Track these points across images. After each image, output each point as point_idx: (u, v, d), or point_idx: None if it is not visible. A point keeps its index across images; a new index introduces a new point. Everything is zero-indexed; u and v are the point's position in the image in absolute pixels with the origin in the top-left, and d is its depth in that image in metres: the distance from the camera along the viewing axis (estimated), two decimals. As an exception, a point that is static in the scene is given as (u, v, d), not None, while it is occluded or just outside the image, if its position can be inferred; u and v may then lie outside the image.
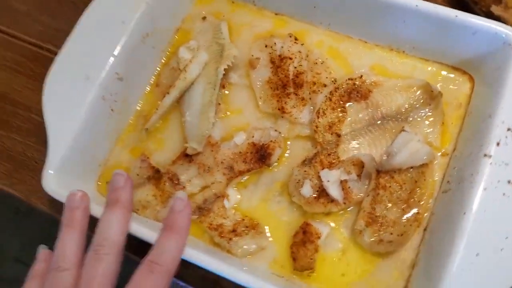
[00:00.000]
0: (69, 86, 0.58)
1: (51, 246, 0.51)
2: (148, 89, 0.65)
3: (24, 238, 1.63)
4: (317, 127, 0.58)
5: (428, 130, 0.58)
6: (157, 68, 0.65)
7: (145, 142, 0.62)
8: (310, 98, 0.60)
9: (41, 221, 1.61)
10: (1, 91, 0.70)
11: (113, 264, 0.47)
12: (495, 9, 0.58)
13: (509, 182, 0.49)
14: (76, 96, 0.57)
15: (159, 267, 0.47)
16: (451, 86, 0.59)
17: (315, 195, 0.56)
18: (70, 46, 0.60)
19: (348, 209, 0.57)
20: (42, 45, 0.72)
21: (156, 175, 0.60)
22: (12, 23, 0.74)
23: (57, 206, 0.63)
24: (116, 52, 0.58)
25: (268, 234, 0.57)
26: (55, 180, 0.55)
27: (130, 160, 0.62)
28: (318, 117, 0.59)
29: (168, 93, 0.61)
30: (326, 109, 0.59)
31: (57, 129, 0.56)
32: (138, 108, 0.64)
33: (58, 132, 0.56)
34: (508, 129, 0.50)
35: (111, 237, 0.48)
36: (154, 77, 0.65)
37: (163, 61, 0.66)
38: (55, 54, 0.70)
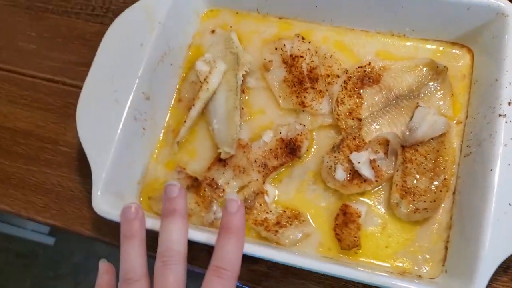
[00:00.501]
0: (101, 112, 0.60)
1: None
2: (172, 104, 0.68)
3: (30, 281, 1.64)
4: (338, 115, 0.63)
5: (440, 103, 0.63)
6: (177, 84, 0.69)
7: (178, 155, 0.65)
8: (326, 90, 0.64)
9: (45, 264, 1.62)
10: (26, 129, 0.72)
11: (182, 273, 0.50)
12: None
13: (525, 136, 0.54)
14: (109, 120, 0.60)
15: (226, 271, 0.49)
16: (452, 60, 0.64)
17: (349, 178, 0.60)
18: (94, 74, 0.63)
19: (380, 187, 0.61)
20: (56, 79, 0.75)
21: (195, 183, 0.63)
22: (23, 62, 0.77)
23: (100, 229, 0.66)
24: (140, 73, 0.62)
25: (311, 221, 0.61)
26: (103, 201, 0.58)
27: (166, 174, 0.65)
28: (338, 106, 0.63)
29: (193, 105, 0.64)
30: (344, 97, 0.63)
31: (96, 154, 0.59)
32: (165, 124, 0.67)
33: (97, 157, 0.59)
34: (516, 89, 0.55)
35: (175, 247, 0.51)
36: (175, 93, 0.68)
37: (182, 76, 0.69)
38: (70, 85, 0.74)
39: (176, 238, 0.51)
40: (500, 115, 0.55)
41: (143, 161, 0.64)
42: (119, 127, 0.60)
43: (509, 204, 0.52)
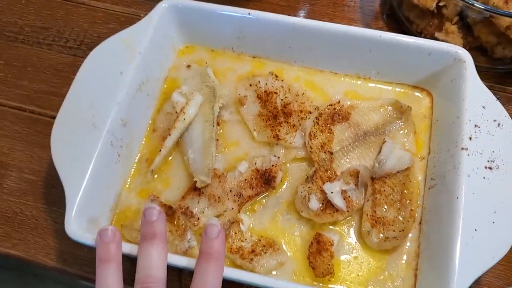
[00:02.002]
0: (77, 135, 0.60)
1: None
2: (146, 134, 0.68)
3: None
4: (311, 148, 0.65)
5: (404, 139, 0.67)
6: (151, 115, 0.69)
7: (152, 184, 0.65)
8: (299, 124, 0.67)
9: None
10: (-12, 156, 0.70)
11: None
12: (438, 35, 0.70)
13: (485, 167, 0.58)
14: (86, 143, 0.59)
15: None
16: (414, 102, 0.70)
17: (322, 207, 0.62)
18: (71, 99, 0.62)
19: (349, 217, 0.63)
20: (25, 107, 0.73)
21: (169, 212, 0.62)
22: (-10, 90, 0.75)
23: (66, 259, 0.63)
24: (119, 100, 0.62)
25: (285, 250, 0.61)
26: (76, 225, 0.56)
27: (139, 202, 0.64)
28: (310, 140, 0.66)
29: (169, 134, 0.65)
30: (316, 132, 0.66)
31: (71, 176, 0.58)
32: (139, 153, 0.67)
33: (72, 180, 0.58)
34: (475, 126, 0.60)
35: (154, 272, 0.49)
36: (150, 123, 0.69)
37: (156, 107, 0.70)
38: (39, 114, 0.73)
39: (156, 263, 0.50)
40: (462, 149, 0.59)
41: (116, 189, 0.63)
42: (96, 151, 0.59)
43: (475, 229, 0.55)
